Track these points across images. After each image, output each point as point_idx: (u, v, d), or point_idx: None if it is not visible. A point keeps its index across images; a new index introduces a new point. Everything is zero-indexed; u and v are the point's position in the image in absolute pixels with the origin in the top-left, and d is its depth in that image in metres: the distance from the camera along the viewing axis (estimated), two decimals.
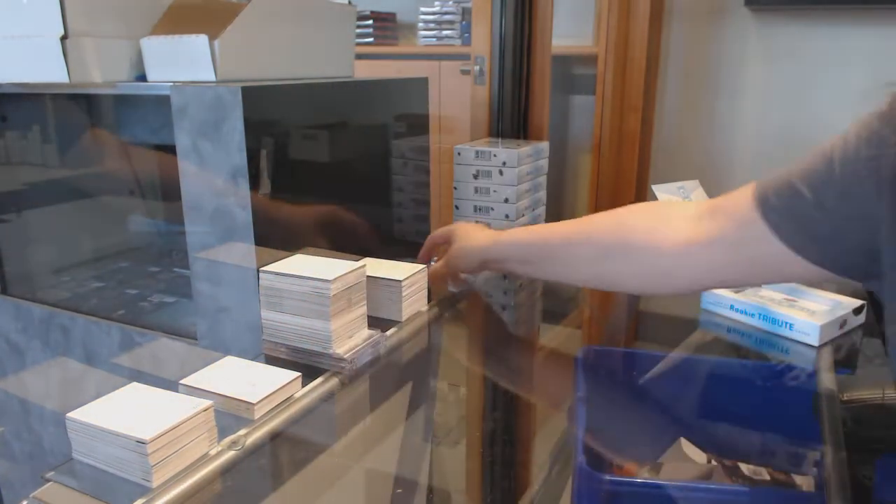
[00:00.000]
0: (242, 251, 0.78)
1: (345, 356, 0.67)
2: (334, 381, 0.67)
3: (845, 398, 0.70)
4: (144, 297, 1.07)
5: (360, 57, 1.11)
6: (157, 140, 1.15)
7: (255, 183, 0.76)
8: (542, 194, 1.24)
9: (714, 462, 0.69)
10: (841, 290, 0.91)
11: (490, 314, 1.03)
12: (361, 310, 0.71)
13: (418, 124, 1.09)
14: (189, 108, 0.77)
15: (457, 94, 2.06)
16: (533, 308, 1.09)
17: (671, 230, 0.64)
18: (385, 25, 2.73)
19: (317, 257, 0.73)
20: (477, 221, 1.14)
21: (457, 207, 1.16)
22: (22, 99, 1.08)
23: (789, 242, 0.53)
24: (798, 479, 0.67)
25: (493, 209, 1.12)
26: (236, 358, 0.66)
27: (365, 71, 1.25)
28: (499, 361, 0.92)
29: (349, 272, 0.68)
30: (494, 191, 1.12)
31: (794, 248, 0.53)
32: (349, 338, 0.70)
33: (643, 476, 0.68)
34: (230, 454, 0.54)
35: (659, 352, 0.86)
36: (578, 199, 2.32)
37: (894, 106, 0.46)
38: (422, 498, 0.69)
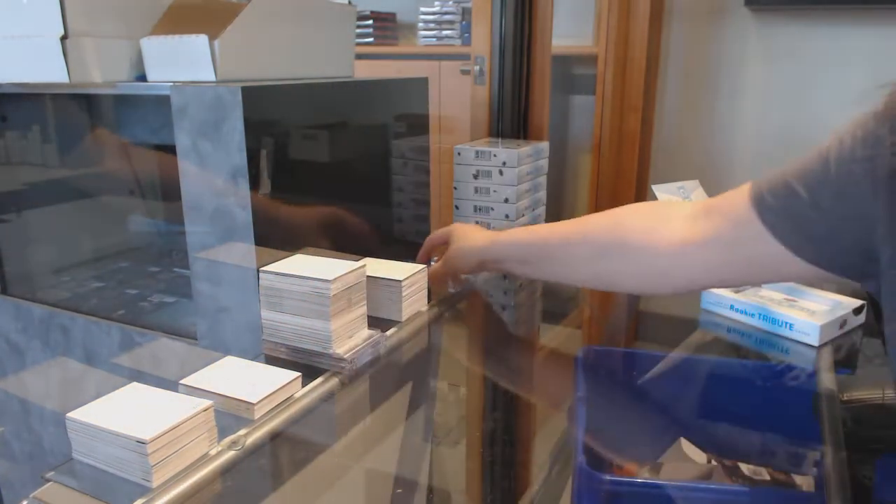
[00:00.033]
0: (242, 251, 0.78)
1: (345, 356, 0.67)
2: (334, 381, 0.67)
3: (845, 398, 0.70)
4: (144, 297, 1.07)
5: (360, 57, 1.11)
6: (157, 140, 1.15)
7: (255, 183, 0.76)
8: (542, 194, 1.24)
9: (714, 462, 0.69)
10: (841, 290, 0.91)
11: (490, 314, 1.03)
12: (361, 310, 0.71)
13: (418, 124, 1.09)
14: (189, 108, 0.77)
15: (457, 94, 2.06)
16: (533, 308, 1.09)
17: (668, 230, 0.64)
18: (385, 25, 2.73)
19: (317, 257, 0.73)
20: (477, 222, 1.14)
21: (457, 207, 1.16)
22: (22, 99, 1.08)
23: (786, 242, 0.53)
24: (798, 479, 0.67)
25: (493, 209, 1.12)
26: (236, 358, 0.66)
27: (365, 71, 1.25)
28: (499, 361, 0.92)
29: (349, 272, 0.68)
30: (494, 191, 1.12)
31: (791, 247, 0.53)
32: (349, 338, 0.70)
33: (643, 476, 0.68)
34: (230, 454, 0.54)
35: (659, 352, 0.86)
36: (578, 199, 2.32)
37: (889, 106, 0.46)
38: (422, 498, 0.69)
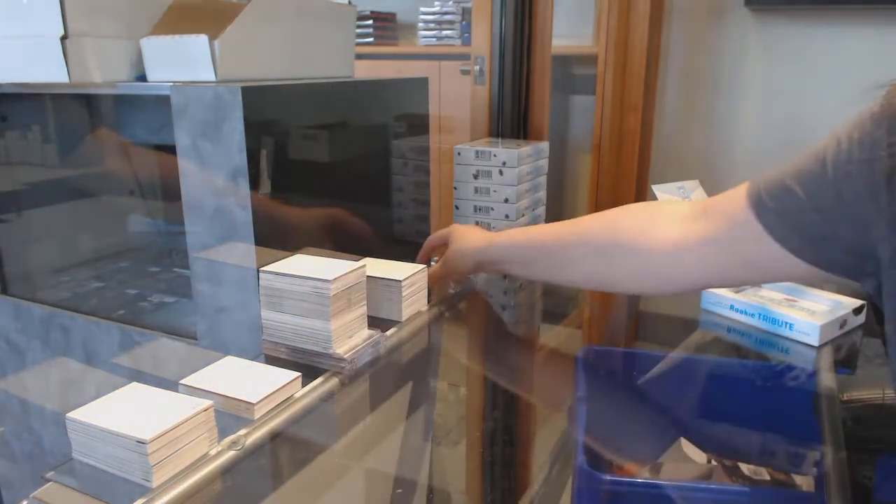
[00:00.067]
0: (242, 251, 0.78)
1: (345, 356, 0.67)
2: (334, 381, 0.67)
3: (845, 398, 0.70)
4: (144, 297, 1.07)
5: (360, 57, 1.11)
6: (157, 140, 1.15)
7: (255, 183, 0.76)
8: (542, 194, 1.24)
9: (714, 462, 0.70)
10: (841, 290, 0.91)
11: (490, 314, 1.03)
12: (361, 310, 0.71)
13: (418, 124, 1.09)
14: (189, 108, 0.77)
15: (457, 94, 2.06)
16: (533, 308, 1.09)
17: (665, 230, 0.64)
18: (385, 25, 2.73)
19: (317, 257, 0.73)
20: (477, 222, 1.14)
21: (457, 207, 1.16)
22: (22, 99, 1.08)
23: (784, 243, 0.53)
24: (798, 479, 0.67)
25: (493, 209, 1.12)
26: (236, 358, 0.66)
27: (365, 71, 1.25)
28: (499, 361, 0.92)
29: (349, 272, 0.68)
30: (494, 191, 1.12)
31: (790, 248, 0.53)
32: (349, 338, 0.70)
33: (643, 476, 0.68)
34: (230, 454, 0.54)
35: (659, 352, 0.86)
36: (578, 199, 2.32)
37: (886, 107, 0.46)
38: (422, 498, 0.69)
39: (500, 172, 1.10)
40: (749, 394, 0.79)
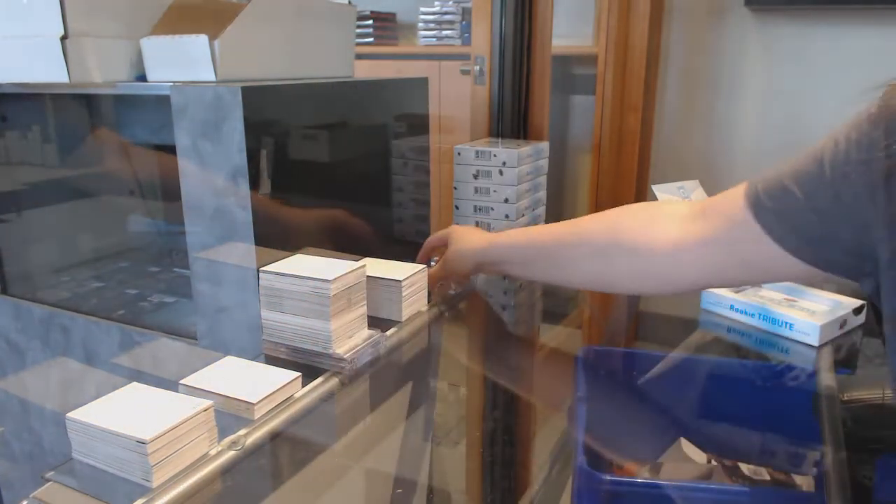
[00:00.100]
0: (242, 251, 0.78)
1: (345, 356, 0.67)
2: (334, 381, 0.67)
3: (845, 398, 0.70)
4: (144, 297, 1.07)
5: (360, 57, 1.11)
6: (157, 140, 1.15)
7: (255, 183, 0.76)
8: (542, 194, 1.24)
9: (714, 462, 0.70)
10: (841, 290, 0.91)
11: (490, 314, 1.03)
12: (361, 310, 0.71)
13: (418, 124, 1.09)
14: (189, 108, 0.77)
15: (457, 94, 2.06)
16: (533, 308, 1.09)
17: (663, 230, 0.64)
18: (385, 25, 2.73)
19: (317, 257, 0.73)
20: (477, 222, 1.14)
21: (457, 207, 1.16)
22: (22, 99, 1.08)
23: (783, 243, 0.53)
24: (798, 479, 0.67)
25: (493, 209, 1.12)
26: (236, 358, 0.66)
27: (365, 71, 1.25)
28: (499, 361, 0.92)
29: (349, 272, 0.68)
30: (494, 191, 1.12)
31: (789, 249, 0.53)
32: (349, 338, 0.70)
33: (643, 476, 0.68)
34: (230, 454, 0.54)
35: (659, 352, 0.86)
36: (578, 199, 2.32)
37: (883, 108, 0.46)
38: (422, 498, 0.69)
39: (500, 172, 1.10)
40: (749, 394, 0.79)
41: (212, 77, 0.82)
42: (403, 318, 0.79)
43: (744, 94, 1.97)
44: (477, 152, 1.12)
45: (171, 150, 0.80)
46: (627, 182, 1.96)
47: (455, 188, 1.15)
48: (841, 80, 1.82)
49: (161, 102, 0.82)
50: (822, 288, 0.92)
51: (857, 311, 0.87)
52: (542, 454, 0.72)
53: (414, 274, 0.80)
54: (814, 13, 1.84)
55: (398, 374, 0.78)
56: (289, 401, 0.62)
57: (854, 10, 1.80)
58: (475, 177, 1.12)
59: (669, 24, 2.02)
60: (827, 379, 0.74)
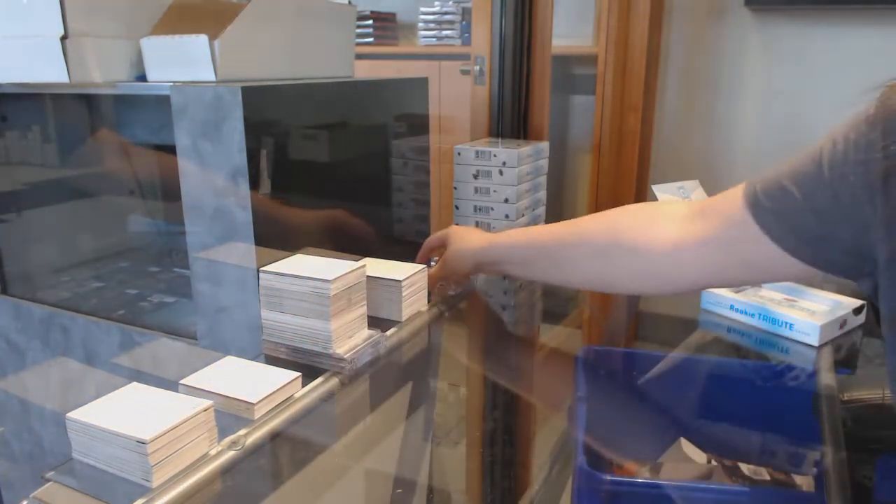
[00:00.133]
0: (242, 251, 0.78)
1: (345, 356, 0.67)
2: (334, 381, 0.67)
3: (845, 398, 0.70)
4: (144, 297, 1.07)
5: (360, 57, 1.11)
6: (157, 140, 1.15)
7: (255, 183, 0.76)
8: (542, 194, 1.24)
9: (714, 462, 0.70)
10: (841, 290, 0.91)
11: (490, 314, 1.03)
12: (361, 310, 0.71)
13: (418, 124, 1.09)
14: (189, 108, 0.77)
15: (457, 94, 2.06)
16: (533, 308, 1.09)
17: (662, 231, 0.64)
18: (385, 25, 2.73)
19: (317, 257, 0.73)
20: (477, 222, 1.14)
21: (457, 207, 1.16)
22: (22, 99, 1.08)
23: (782, 244, 0.53)
24: (798, 479, 0.67)
25: (493, 209, 1.12)
26: (236, 358, 0.66)
27: (365, 71, 1.25)
28: (499, 361, 0.92)
29: (349, 272, 0.68)
30: (494, 191, 1.12)
31: (787, 249, 0.53)
32: (349, 338, 0.70)
33: (643, 476, 0.68)
34: (230, 454, 0.54)
35: (659, 352, 0.86)
36: (578, 199, 2.32)
37: (880, 108, 0.46)
38: (422, 498, 0.69)
39: (500, 172, 1.10)
40: (749, 394, 0.79)
41: (212, 77, 0.82)
42: (403, 318, 0.79)
43: (744, 94, 1.97)
44: (477, 152, 1.12)
45: (171, 150, 0.80)
46: (627, 182, 1.96)
47: (455, 188, 1.15)
48: (841, 80, 1.82)
49: (161, 102, 0.82)
50: (822, 288, 0.92)
51: (857, 311, 0.87)
52: (542, 454, 0.72)
53: (414, 274, 0.80)
54: (814, 13, 1.85)
55: (398, 374, 0.78)
56: (289, 401, 0.62)
57: (854, 10, 1.80)
58: (475, 177, 1.12)
59: (669, 24, 2.02)
60: (827, 379, 0.74)
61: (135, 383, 0.57)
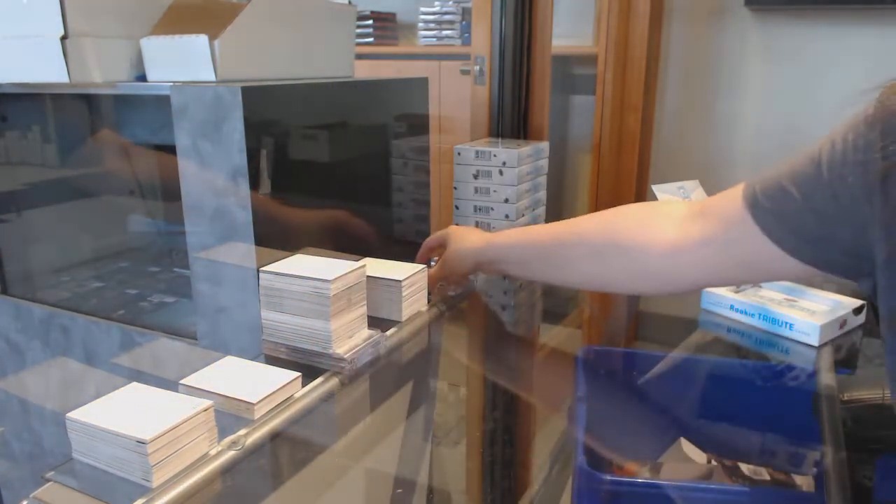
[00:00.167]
0: (242, 251, 0.78)
1: (345, 356, 0.67)
2: (334, 381, 0.67)
3: (845, 398, 0.70)
4: (144, 297, 1.07)
5: (360, 57, 1.11)
6: (157, 140, 1.15)
7: (255, 183, 0.76)
8: (542, 194, 1.24)
9: (714, 462, 0.70)
10: (841, 290, 0.91)
11: (490, 314, 1.03)
12: (361, 310, 0.71)
13: (418, 124, 1.09)
14: (189, 108, 0.77)
15: (457, 94, 2.06)
16: (533, 308, 1.09)
17: (661, 230, 0.64)
18: (385, 25, 2.73)
19: (317, 257, 0.73)
20: (477, 222, 1.14)
21: (457, 207, 1.16)
22: (22, 99, 1.08)
23: (781, 244, 0.53)
24: (798, 479, 0.67)
25: (493, 209, 1.12)
26: (236, 358, 0.66)
27: (365, 71, 1.25)
28: (499, 361, 0.92)
29: (349, 272, 0.68)
30: (494, 191, 1.12)
31: (787, 249, 0.53)
32: (349, 338, 0.70)
33: (643, 476, 0.68)
34: (230, 454, 0.54)
35: (659, 352, 0.86)
36: (578, 199, 2.32)
37: (879, 109, 0.46)
38: (422, 498, 0.69)
39: (500, 172, 1.10)
40: (749, 394, 0.79)
41: (212, 77, 0.82)
42: (403, 318, 0.79)
43: (744, 94, 1.97)
44: (477, 152, 1.12)
45: (171, 150, 0.80)
46: (627, 182, 1.97)
47: (455, 188, 1.15)
48: (841, 80, 1.82)
49: (161, 102, 0.82)
50: (822, 288, 0.92)
51: (857, 311, 0.87)
52: (542, 454, 0.72)
53: (414, 274, 0.80)
54: (814, 13, 1.85)
55: (398, 374, 0.78)
56: (289, 401, 0.62)
57: (854, 10, 1.80)
58: (475, 177, 1.12)
59: (669, 24, 2.02)
60: (827, 379, 0.74)
61: (135, 383, 0.57)
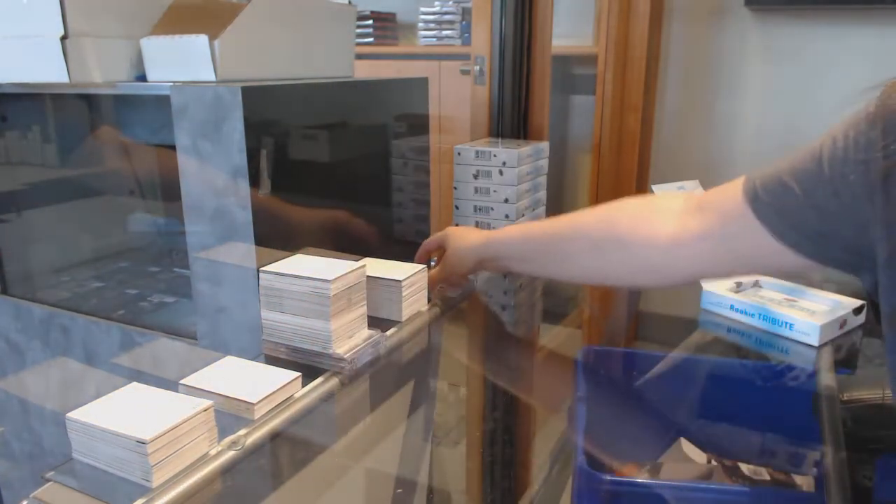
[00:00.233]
0: (242, 251, 0.78)
1: (345, 356, 0.67)
2: (334, 381, 0.67)
3: (845, 398, 0.70)
4: (144, 297, 1.07)
5: (360, 57, 1.11)
6: (157, 140, 1.15)
7: (255, 183, 0.76)
8: (542, 194, 1.24)
9: (714, 462, 0.70)
10: (841, 290, 0.91)
11: (490, 314, 1.03)
12: (361, 310, 0.71)
13: (418, 124, 1.09)
14: (189, 108, 0.77)
15: (457, 94, 2.06)
16: (533, 308, 1.09)
17: (661, 224, 0.64)
18: (385, 25, 2.73)
19: (317, 257, 0.73)
20: (477, 222, 1.14)
21: (457, 207, 1.16)
22: (22, 99, 1.08)
23: (784, 239, 0.53)
24: (798, 479, 0.67)
25: (493, 209, 1.12)
26: (236, 358, 0.66)
27: (365, 71, 1.25)
28: (499, 361, 0.92)
29: (349, 272, 0.68)
30: (494, 191, 1.12)
31: (789, 244, 0.53)
32: (349, 338, 0.70)
33: (643, 476, 0.68)
34: (230, 454, 0.54)
35: (659, 352, 0.86)
36: (578, 199, 2.32)
37: (880, 107, 0.46)
38: (422, 498, 0.69)
39: (500, 172, 1.10)
40: (749, 394, 0.79)
41: (212, 77, 0.82)
42: (403, 318, 0.79)
43: (744, 94, 1.97)
44: (477, 152, 1.12)
45: (170, 149, 0.80)
46: (627, 182, 1.97)
47: (455, 188, 1.15)
48: (841, 80, 1.82)
49: (161, 102, 0.82)
50: (822, 288, 0.92)
51: (857, 311, 0.87)
52: (542, 454, 0.72)
53: (414, 274, 0.80)
54: (814, 13, 1.85)
55: (398, 374, 0.78)
56: (289, 401, 0.62)
57: (854, 10, 1.80)
58: (475, 177, 1.12)
59: (669, 24, 2.02)
60: (827, 379, 0.74)
61: (135, 383, 0.57)
